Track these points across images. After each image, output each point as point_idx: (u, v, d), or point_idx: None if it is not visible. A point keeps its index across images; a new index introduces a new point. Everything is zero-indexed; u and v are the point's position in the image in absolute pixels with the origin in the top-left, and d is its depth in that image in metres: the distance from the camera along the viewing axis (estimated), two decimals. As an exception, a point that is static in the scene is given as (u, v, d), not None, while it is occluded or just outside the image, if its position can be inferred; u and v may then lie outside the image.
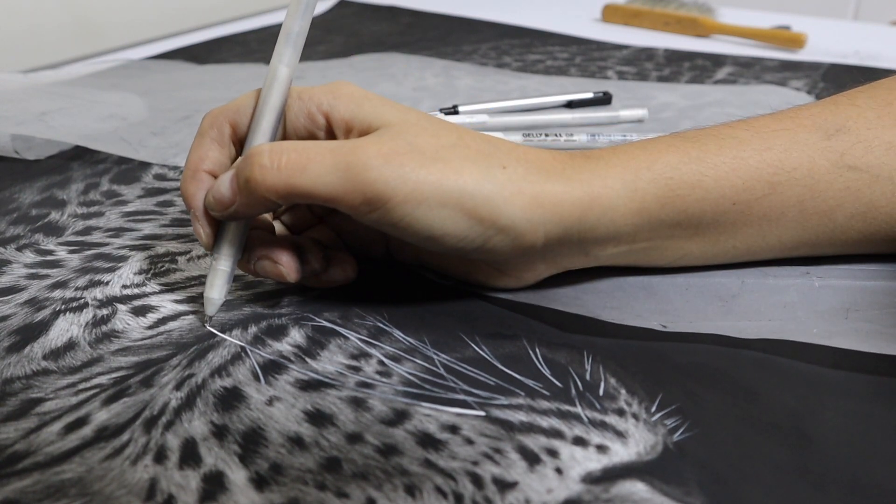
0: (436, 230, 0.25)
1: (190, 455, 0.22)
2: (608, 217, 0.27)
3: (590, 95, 0.52)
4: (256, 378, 0.25)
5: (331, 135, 0.28)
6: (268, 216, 0.31)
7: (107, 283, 0.31)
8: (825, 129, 0.29)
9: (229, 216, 0.27)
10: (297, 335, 0.28)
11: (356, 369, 0.26)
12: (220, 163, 0.28)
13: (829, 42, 0.70)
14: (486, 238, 0.26)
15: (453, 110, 0.50)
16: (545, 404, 0.24)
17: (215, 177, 0.27)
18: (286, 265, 0.28)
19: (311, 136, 0.28)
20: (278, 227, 0.31)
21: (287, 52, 0.28)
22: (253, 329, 0.28)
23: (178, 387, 0.25)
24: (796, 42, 0.67)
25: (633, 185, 0.27)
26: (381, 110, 0.27)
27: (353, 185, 0.24)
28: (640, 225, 0.28)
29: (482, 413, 0.24)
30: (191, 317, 0.29)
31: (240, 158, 0.27)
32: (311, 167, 0.25)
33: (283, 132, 0.28)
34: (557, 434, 0.23)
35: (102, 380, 0.26)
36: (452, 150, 0.26)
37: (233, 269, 0.28)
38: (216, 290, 0.28)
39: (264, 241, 0.28)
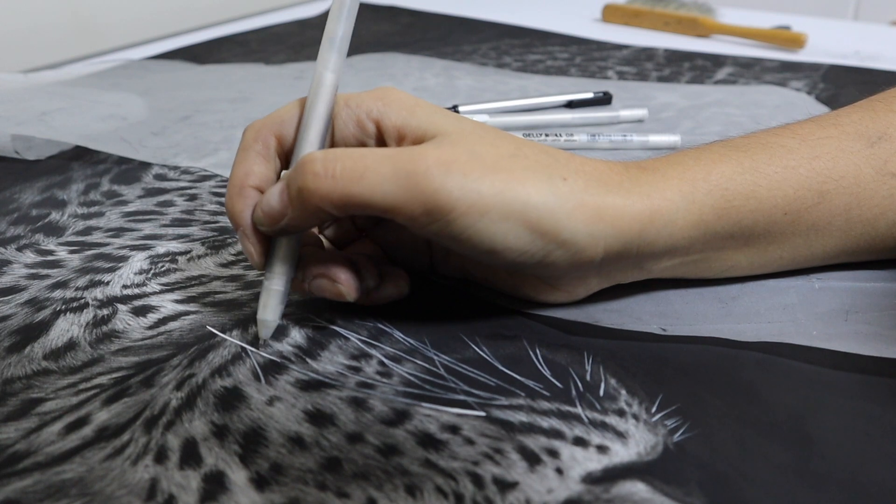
0: (497, 244, 0.24)
1: (190, 455, 0.22)
2: (668, 231, 0.26)
3: (590, 95, 0.52)
4: (257, 378, 0.25)
5: (381, 143, 0.27)
6: (314, 231, 0.30)
7: (107, 283, 0.31)
8: (868, 137, 0.29)
9: (280, 230, 0.26)
10: (297, 335, 0.28)
11: (356, 370, 0.26)
12: (266, 177, 0.27)
13: (829, 42, 0.70)
14: (546, 253, 0.25)
15: (453, 110, 0.50)
16: (545, 405, 0.24)
17: (262, 192, 0.26)
18: (345, 283, 0.26)
19: (361, 145, 0.27)
20: (324, 242, 0.30)
21: (332, 57, 0.26)
22: (253, 329, 0.28)
23: (178, 387, 0.25)
24: (796, 42, 0.67)
25: (691, 197, 0.27)
26: (435, 118, 0.26)
27: (413, 194, 0.23)
28: (696, 237, 0.27)
29: (482, 413, 0.24)
30: (191, 317, 0.29)
31: (288, 170, 0.26)
32: (369, 175, 0.23)
33: (332, 141, 0.27)
34: (558, 434, 0.23)
35: (103, 380, 0.26)
36: (513, 161, 0.25)
37: (287, 288, 0.27)
38: (270, 312, 0.26)
39: (318, 258, 0.27)
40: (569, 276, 0.28)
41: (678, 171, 0.27)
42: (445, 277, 0.31)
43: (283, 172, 0.27)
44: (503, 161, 0.24)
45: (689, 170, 0.27)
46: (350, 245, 0.31)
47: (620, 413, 0.24)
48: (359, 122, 0.26)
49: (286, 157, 0.27)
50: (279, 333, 0.27)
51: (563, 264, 0.25)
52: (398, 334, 0.28)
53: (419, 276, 0.31)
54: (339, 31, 0.27)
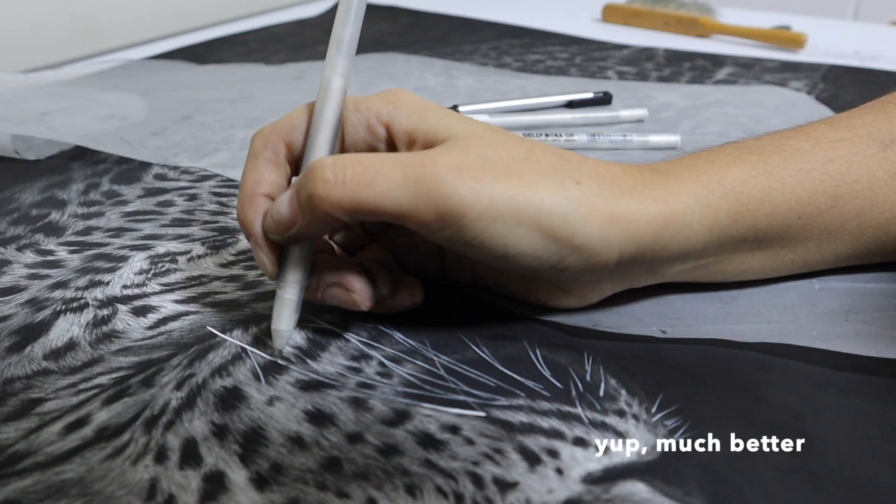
0: (510, 249, 0.24)
1: (190, 455, 0.22)
2: (682, 234, 0.26)
3: (590, 95, 0.52)
4: (257, 378, 0.25)
5: (391, 147, 0.26)
6: (325, 237, 0.30)
7: (107, 284, 0.31)
8: (881, 140, 0.29)
9: (291, 238, 0.25)
10: (297, 336, 0.28)
11: (357, 370, 0.26)
12: (277, 184, 0.26)
13: (829, 42, 0.70)
14: (560, 258, 0.25)
15: (453, 110, 0.50)
16: (546, 405, 0.24)
17: (273, 200, 0.26)
18: (360, 292, 0.26)
19: (371, 149, 0.27)
20: (335, 248, 0.30)
21: (340, 61, 0.26)
22: (253, 329, 0.28)
23: (178, 387, 0.25)
24: (796, 42, 0.67)
25: (706, 201, 0.26)
26: (446, 121, 0.25)
27: (424, 200, 0.23)
28: (711, 241, 0.27)
29: (482, 414, 0.24)
30: (191, 317, 0.29)
31: (298, 176, 0.25)
32: (379, 181, 0.23)
33: (342, 146, 0.27)
34: (558, 435, 0.23)
35: (103, 380, 0.26)
36: (525, 164, 0.24)
37: (300, 297, 0.26)
38: (284, 322, 0.26)
39: (332, 266, 0.26)
40: (582, 281, 0.27)
41: (692, 174, 0.27)
42: (457, 282, 0.31)
43: (294, 179, 0.26)
44: (515, 165, 0.24)
45: (704, 173, 0.27)
46: (360, 250, 0.30)
47: (620, 413, 0.24)
48: (369, 126, 0.26)
49: (296, 163, 0.27)
50: (279, 333, 0.28)
51: (577, 269, 0.25)
52: (398, 335, 0.28)
53: (426, 281, 0.31)
54: (346, 34, 0.26)
